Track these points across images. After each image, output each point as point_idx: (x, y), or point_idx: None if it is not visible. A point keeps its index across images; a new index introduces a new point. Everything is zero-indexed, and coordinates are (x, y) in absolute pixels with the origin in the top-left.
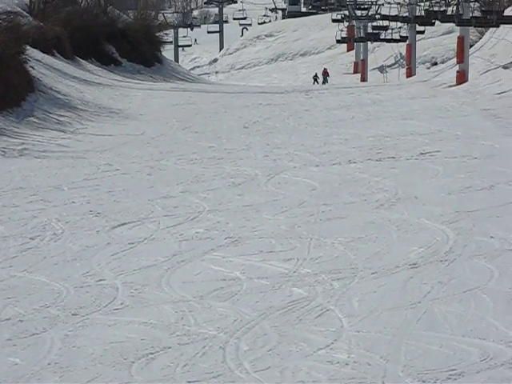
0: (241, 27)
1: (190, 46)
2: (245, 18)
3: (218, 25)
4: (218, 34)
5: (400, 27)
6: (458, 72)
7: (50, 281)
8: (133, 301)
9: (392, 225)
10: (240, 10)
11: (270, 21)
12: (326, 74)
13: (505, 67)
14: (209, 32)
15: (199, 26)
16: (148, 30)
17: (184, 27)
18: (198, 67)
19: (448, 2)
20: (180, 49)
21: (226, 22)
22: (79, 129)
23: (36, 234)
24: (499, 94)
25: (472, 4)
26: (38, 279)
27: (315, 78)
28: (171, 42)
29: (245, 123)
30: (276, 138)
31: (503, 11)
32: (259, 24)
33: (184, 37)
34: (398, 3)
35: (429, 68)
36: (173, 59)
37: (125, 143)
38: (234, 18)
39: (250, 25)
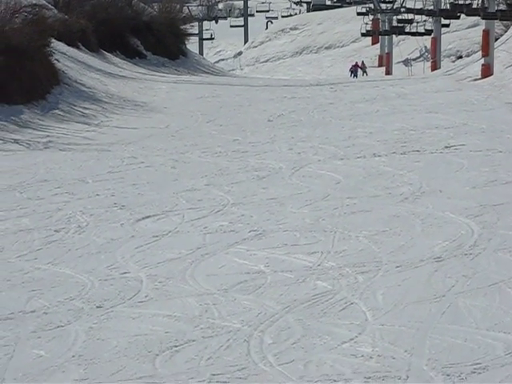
0: (266, 20)
1: (212, 39)
2: (268, 11)
3: (241, 18)
4: (242, 27)
5: (425, 20)
6: (483, 65)
7: (74, 273)
8: (157, 293)
9: (416, 218)
10: (263, 3)
11: (295, 14)
12: (357, 67)
13: None
14: (231, 26)
15: (225, 17)
16: (173, 22)
17: (209, 20)
18: (223, 60)
19: None
20: (205, 42)
21: (252, 15)
22: (104, 121)
23: (61, 227)
24: None
25: None
26: (63, 272)
27: (352, 71)
28: (196, 35)
29: (269, 116)
30: (300, 131)
31: None
32: (283, 17)
33: (207, 30)
34: None
35: (454, 61)
36: (197, 52)
37: (149, 136)
38: (258, 11)
39: (275, 18)
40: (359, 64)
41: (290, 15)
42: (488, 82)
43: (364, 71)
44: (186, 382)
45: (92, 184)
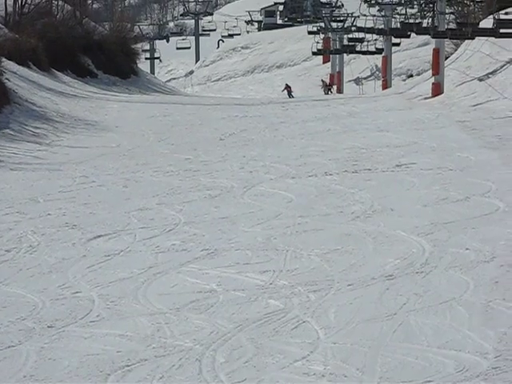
0: (217, 39)
1: (158, 58)
2: (214, 30)
3: (189, 38)
4: (189, 49)
5: (376, 39)
6: (433, 84)
7: (25, 293)
8: (109, 313)
9: (368, 236)
10: (210, 22)
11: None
12: (289, 88)
13: (480, 79)
14: (177, 48)
15: (179, 34)
16: (124, 42)
17: (160, 39)
18: (174, 79)
19: (423, 15)
20: (156, 61)
21: (208, 34)
22: (55, 141)
23: (12, 247)
24: (474, 105)
25: (447, 16)
26: (14, 291)
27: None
28: (148, 51)
29: (221, 135)
30: (252, 150)
31: (478, 23)
32: (229, 36)
33: (183, 39)
34: (374, 15)
35: (404, 80)
36: (149, 71)
37: (101, 155)
38: (204, 30)
39: (224, 37)
40: (289, 86)
41: (230, 35)
42: (438, 100)
43: (329, 89)
44: None
45: (43, 203)
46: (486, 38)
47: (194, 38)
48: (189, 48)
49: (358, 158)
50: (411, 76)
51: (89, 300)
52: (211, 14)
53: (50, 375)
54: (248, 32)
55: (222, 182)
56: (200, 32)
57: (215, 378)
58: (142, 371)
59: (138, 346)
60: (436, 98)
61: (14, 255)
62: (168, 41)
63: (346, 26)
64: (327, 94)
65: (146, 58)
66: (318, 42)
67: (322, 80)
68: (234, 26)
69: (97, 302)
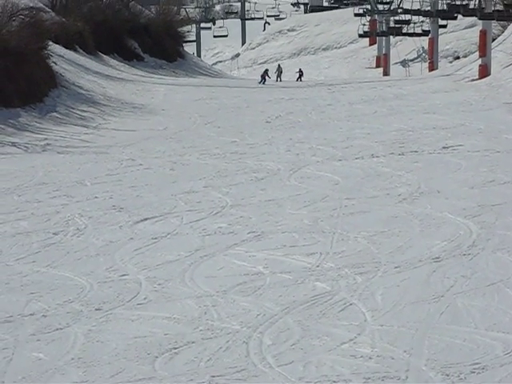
0: (263, 21)
1: (226, 36)
2: (279, 15)
3: (225, 28)
4: (240, 27)
5: (422, 21)
6: (480, 66)
7: (73, 276)
8: (156, 296)
9: (415, 219)
10: (272, 8)
11: (285, 17)
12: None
13: None
14: (215, 36)
15: (211, 23)
16: (170, 25)
17: (206, 22)
18: (221, 62)
19: None
20: (202, 44)
21: (252, 18)
22: (102, 124)
23: (59, 230)
24: None
25: None
26: (62, 274)
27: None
28: (193, 41)
29: (267, 118)
30: (298, 132)
31: None
32: (276, 20)
33: (220, 27)
34: None
35: (451, 62)
36: (195, 54)
37: (147, 138)
38: (268, 16)
39: (262, 19)
40: (267, 72)
41: (277, 17)
42: (485, 82)
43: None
44: (186, 383)
45: (90, 186)
46: None
47: (239, 21)
48: (226, 36)
49: (405, 140)
50: (458, 58)
51: (136, 282)
52: None
53: (97, 358)
54: (289, 15)
55: (268, 165)
56: (245, 16)
57: (262, 360)
58: (189, 353)
59: (185, 329)
60: (483, 79)
61: (61, 238)
62: (214, 23)
63: (392, 7)
64: (297, 80)
65: (215, 36)
66: (364, 24)
67: (279, 65)
68: (280, 11)
69: (144, 285)
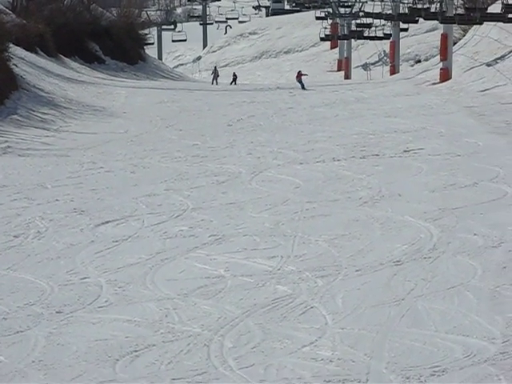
0: (224, 25)
1: (184, 40)
2: (226, 21)
3: (183, 32)
4: (201, 30)
5: (384, 25)
6: (441, 69)
7: (34, 279)
8: (117, 298)
9: (376, 222)
10: (232, 10)
11: (248, 20)
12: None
13: (488, 64)
14: (173, 41)
15: (173, 29)
16: (131, 27)
17: (167, 25)
18: (182, 65)
19: (431, 0)
20: (163, 47)
21: (210, 23)
22: (63, 127)
23: (20, 232)
24: (483, 91)
25: (455, 1)
26: (22, 277)
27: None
28: (151, 44)
29: (229, 121)
30: (260, 135)
31: (486, 8)
32: (239, 23)
33: (179, 32)
34: (382, 1)
35: (412, 65)
36: (156, 57)
37: (108, 141)
38: (216, 21)
39: (226, 22)
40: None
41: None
42: (446, 86)
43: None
44: None
45: (51, 189)
46: (494, 23)
47: (201, 26)
48: (185, 40)
49: (366, 143)
50: (419, 61)
51: (97, 286)
52: (219, 0)
53: (58, 360)
54: (249, 18)
55: (229, 168)
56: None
57: (223, 363)
58: (150, 356)
59: (146, 332)
60: (444, 83)
61: (22, 241)
62: (175, 26)
63: (353, 11)
64: (231, 84)
65: (174, 41)
66: (325, 28)
67: (216, 67)
68: (244, 14)
69: (105, 288)
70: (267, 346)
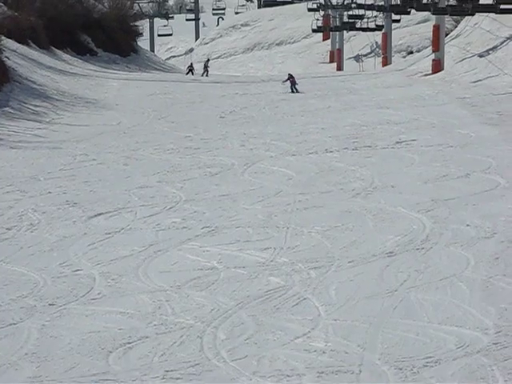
0: (217, 17)
1: (170, 35)
2: (223, 9)
3: (169, 26)
4: (194, 22)
5: (376, 16)
6: (433, 61)
7: (26, 271)
8: (110, 291)
9: (368, 213)
10: (218, 0)
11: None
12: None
13: (480, 55)
14: (159, 35)
15: (172, 17)
16: (123, 19)
17: (159, 17)
18: (174, 57)
19: None
20: (156, 38)
21: (201, 11)
22: (55, 119)
23: (12, 225)
24: (475, 82)
25: None
26: (15, 269)
27: (190, 69)
28: (141, 34)
29: (221, 113)
30: (252, 127)
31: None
32: (236, 14)
33: (165, 26)
34: None
35: (405, 57)
36: (148, 49)
37: (101, 133)
38: (213, 9)
39: (223, 13)
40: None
41: (238, 13)
42: (438, 77)
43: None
44: (140, 378)
45: (44, 182)
46: (486, 14)
47: (193, 15)
48: (171, 35)
49: (359, 135)
50: (411, 53)
51: (90, 278)
52: None
53: (51, 352)
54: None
55: (222, 160)
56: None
57: (216, 354)
58: (143, 348)
59: (139, 324)
60: (436, 74)
61: (14, 233)
62: (168, 18)
63: (345, 2)
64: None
65: (159, 35)
66: (317, 19)
67: (208, 59)
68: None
69: (98, 280)
70: (260, 338)
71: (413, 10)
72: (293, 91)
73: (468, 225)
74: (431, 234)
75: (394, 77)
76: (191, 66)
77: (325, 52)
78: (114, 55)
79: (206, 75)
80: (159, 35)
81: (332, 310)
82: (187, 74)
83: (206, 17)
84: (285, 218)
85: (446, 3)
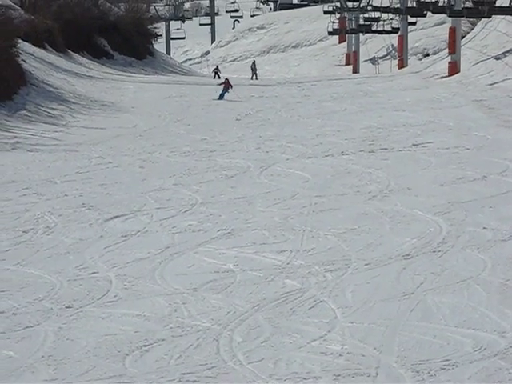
0: (232, 19)
1: (183, 38)
2: (237, 11)
3: (182, 30)
4: (209, 26)
5: (392, 18)
6: (449, 63)
7: (43, 274)
8: (126, 293)
9: (385, 216)
10: (232, 3)
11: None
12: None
13: (496, 58)
14: (201, 24)
15: (191, 18)
16: (139, 22)
17: (175, 20)
18: (190, 60)
19: None
20: (172, 41)
21: (217, 14)
22: (71, 122)
23: (29, 228)
24: (491, 84)
25: None
26: (32, 272)
27: (216, 72)
28: (160, 35)
29: (237, 115)
30: (268, 130)
31: (495, 2)
32: (252, 16)
33: (178, 29)
34: None
35: (421, 59)
36: (164, 52)
37: (117, 136)
38: (227, 11)
39: (241, 17)
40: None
41: (255, 15)
42: (455, 79)
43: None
44: (156, 381)
45: (60, 184)
46: (502, 16)
47: (209, 19)
48: (183, 38)
49: (375, 137)
50: (427, 55)
51: (106, 280)
52: None
53: (67, 355)
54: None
55: (238, 163)
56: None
57: (233, 357)
58: (159, 351)
59: (155, 326)
60: (452, 76)
61: (31, 236)
62: (184, 21)
63: (361, 5)
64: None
65: (172, 38)
66: (333, 22)
67: (217, 66)
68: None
69: (114, 283)
70: (276, 341)
71: (429, 13)
72: (220, 98)
73: (485, 227)
74: (448, 237)
75: (410, 79)
76: (217, 68)
77: (341, 54)
78: (130, 58)
79: (256, 78)
80: (172, 38)
81: (348, 312)
82: (214, 77)
83: (222, 20)
84: (301, 221)
85: (462, 6)
